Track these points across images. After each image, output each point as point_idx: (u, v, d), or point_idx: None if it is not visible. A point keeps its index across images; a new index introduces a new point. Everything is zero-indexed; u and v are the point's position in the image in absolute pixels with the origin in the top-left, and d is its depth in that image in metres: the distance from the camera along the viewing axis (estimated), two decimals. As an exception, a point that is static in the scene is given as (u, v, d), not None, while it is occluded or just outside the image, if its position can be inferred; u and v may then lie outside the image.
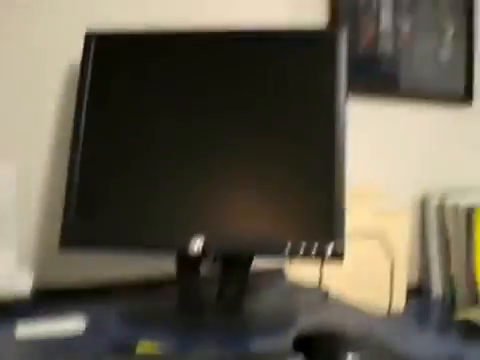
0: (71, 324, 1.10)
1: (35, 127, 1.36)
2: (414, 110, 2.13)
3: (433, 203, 2.09)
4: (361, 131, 1.95)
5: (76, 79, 1.28)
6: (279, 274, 1.57)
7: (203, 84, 1.23)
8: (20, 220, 1.31)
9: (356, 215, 1.66)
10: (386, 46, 2.08)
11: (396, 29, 2.11)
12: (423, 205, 2.12)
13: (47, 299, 1.26)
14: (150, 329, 1.10)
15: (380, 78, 2.06)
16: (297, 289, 1.42)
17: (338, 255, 1.10)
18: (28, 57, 1.35)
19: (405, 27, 2.13)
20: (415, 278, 2.13)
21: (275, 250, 1.13)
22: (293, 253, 1.12)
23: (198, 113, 1.22)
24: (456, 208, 2.03)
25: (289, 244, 1.11)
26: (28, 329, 1.08)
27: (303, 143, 1.17)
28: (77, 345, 1.02)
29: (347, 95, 1.18)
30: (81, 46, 1.28)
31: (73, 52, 1.35)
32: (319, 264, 1.47)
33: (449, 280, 2.05)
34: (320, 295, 1.39)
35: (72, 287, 1.36)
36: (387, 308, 1.81)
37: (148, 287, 1.39)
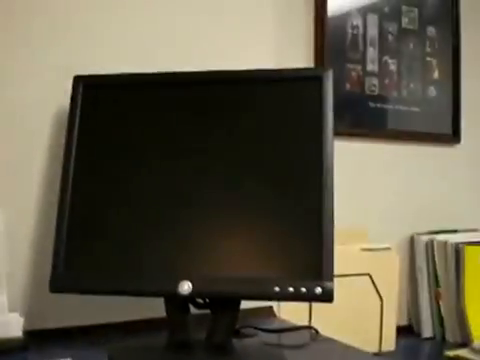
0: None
1: (23, 171, 1.37)
2: (402, 149, 2.14)
3: (422, 240, 2.10)
4: (349, 170, 1.97)
5: (65, 123, 1.28)
6: (268, 312, 1.57)
7: (189, 127, 1.24)
8: (10, 263, 1.31)
9: (345, 254, 1.66)
10: (372, 85, 2.11)
11: (382, 68, 2.14)
12: (412, 243, 2.13)
13: (37, 341, 1.26)
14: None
15: (367, 117, 2.08)
16: (286, 327, 1.41)
17: (327, 297, 1.10)
18: (16, 104, 1.36)
19: (391, 66, 2.16)
20: (405, 316, 2.13)
21: (263, 294, 1.14)
22: (281, 297, 1.12)
23: (184, 158, 1.23)
24: (445, 245, 2.04)
25: (277, 287, 1.11)
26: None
27: (290, 185, 1.18)
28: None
29: (334, 135, 1.18)
30: (69, 91, 1.29)
31: (61, 97, 1.36)
32: (308, 304, 1.47)
33: (439, 318, 2.05)
34: (310, 333, 1.39)
35: (62, 329, 1.36)
36: (377, 346, 1.81)
37: (138, 328, 1.38)
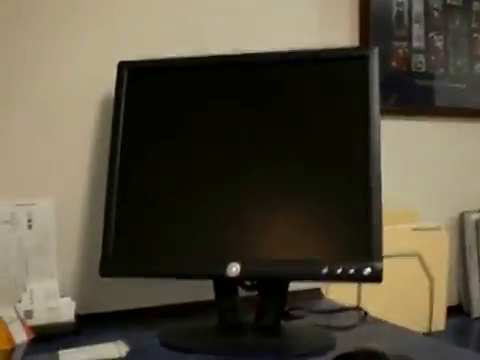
0: (113, 349, 1.11)
1: (72, 158, 1.38)
2: (450, 126, 2.11)
3: (472, 218, 2.07)
4: (396, 149, 1.95)
5: (111, 110, 1.29)
6: (317, 294, 1.57)
7: (237, 109, 1.24)
8: (60, 250, 1.33)
9: (394, 234, 1.65)
10: (419, 62, 2.08)
11: (428, 45, 2.11)
12: (461, 222, 2.10)
13: (89, 325, 1.27)
14: (190, 352, 1.10)
15: (414, 95, 2.05)
16: (335, 309, 1.41)
17: (376, 277, 1.09)
18: (62, 90, 1.37)
19: (438, 43, 2.12)
20: (455, 296, 2.11)
21: (311, 274, 1.14)
22: (330, 277, 1.12)
23: (232, 140, 1.23)
24: (495, 223, 2.01)
25: (325, 268, 1.10)
26: (72, 356, 1.09)
27: (338, 164, 1.17)
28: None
29: (381, 114, 1.17)
30: (115, 75, 1.30)
31: (108, 83, 1.37)
32: (357, 285, 1.46)
33: (489, 297, 2.02)
34: (359, 315, 1.39)
35: (113, 312, 1.37)
36: (427, 326, 1.79)
37: (188, 310, 1.39)
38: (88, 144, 1.40)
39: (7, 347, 0.99)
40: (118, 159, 1.25)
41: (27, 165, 1.34)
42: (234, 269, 1.14)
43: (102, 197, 1.25)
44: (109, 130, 1.28)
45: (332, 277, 1.12)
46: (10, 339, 1.00)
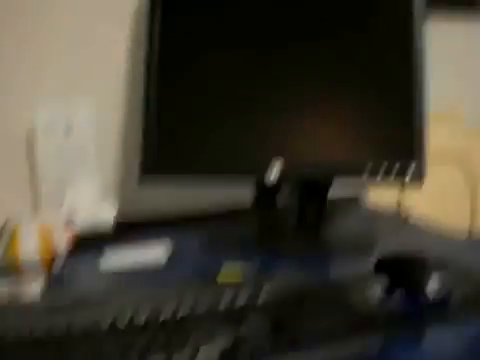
0: (154, 254, 1.12)
1: (109, 62, 1.36)
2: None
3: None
4: (441, 50, 1.89)
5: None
6: (357, 202, 1.56)
7: (278, 15, 1.20)
8: (101, 153, 1.32)
9: (436, 137, 1.62)
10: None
11: None
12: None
13: (129, 230, 1.28)
14: (231, 256, 1.11)
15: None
16: (376, 215, 1.41)
17: (419, 176, 1.09)
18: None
19: None
20: (497, 201, 2.08)
21: (355, 171, 1.12)
22: (373, 174, 1.11)
23: (276, 41, 1.19)
24: None
25: (369, 165, 1.10)
26: (112, 260, 1.11)
27: (381, 64, 1.14)
28: (161, 274, 1.05)
29: (426, 12, 1.14)
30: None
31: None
32: (398, 188, 1.44)
33: None
34: (400, 219, 1.38)
35: (153, 218, 1.38)
36: (468, 231, 1.78)
37: (227, 216, 1.40)
38: (125, 45, 1.37)
39: (49, 255, 1.01)
40: (156, 58, 1.23)
41: (64, 70, 1.32)
42: (275, 169, 1.13)
43: (142, 95, 1.24)
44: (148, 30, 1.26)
45: (375, 176, 1.11)
46: (52, 246, 1.02)
